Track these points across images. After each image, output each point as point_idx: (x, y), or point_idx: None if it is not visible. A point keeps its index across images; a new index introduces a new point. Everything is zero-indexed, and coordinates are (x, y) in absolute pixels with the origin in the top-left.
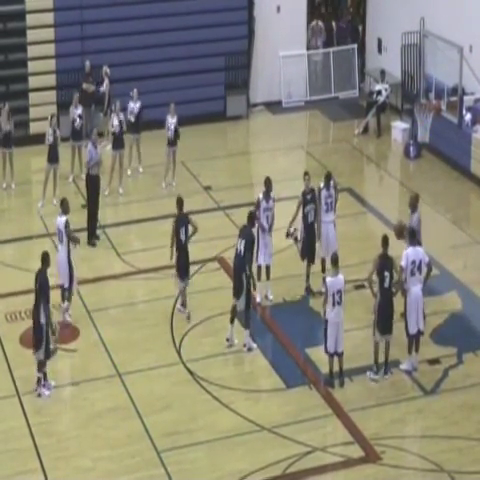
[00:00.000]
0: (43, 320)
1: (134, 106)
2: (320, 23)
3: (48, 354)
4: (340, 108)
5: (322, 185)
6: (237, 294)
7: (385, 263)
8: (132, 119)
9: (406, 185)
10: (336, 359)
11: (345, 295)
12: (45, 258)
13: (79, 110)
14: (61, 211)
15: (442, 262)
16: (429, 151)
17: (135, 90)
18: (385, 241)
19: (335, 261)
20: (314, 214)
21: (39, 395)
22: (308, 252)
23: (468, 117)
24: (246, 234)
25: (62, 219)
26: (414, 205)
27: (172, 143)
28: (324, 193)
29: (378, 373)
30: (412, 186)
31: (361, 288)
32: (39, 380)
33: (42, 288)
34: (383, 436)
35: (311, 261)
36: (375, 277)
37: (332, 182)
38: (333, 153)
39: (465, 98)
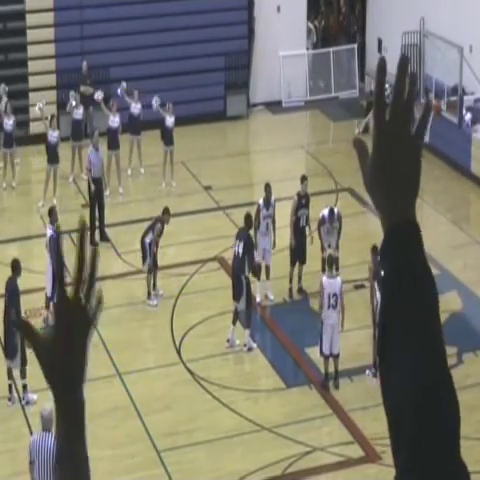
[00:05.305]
0: (15, 328)
1: (135, 106)
2: (309, 24)
3: (25, 361)
4: (340, 108)
5: (327, 218)
6: (237, 296)
7: None
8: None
9: None
10: (331, 361)
11: (345, 295)
12: (16, 266)
13: (81, 110)
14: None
15: (442, 262)
16: (429, 151)
17: (136, 91)
18: None
19: (331, 263)
20: (306, 219)
21: (28, 402)
22: (300, 256)
23: (468, 117)
24: (244, 237)
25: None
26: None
27: (168, 142)
28: (327, 226)
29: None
30: None
31: (361, 288)
32: (25, 387)
33: (11, 296)
34: (383, 436)
35: (303, 262)
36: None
37: (336, 214)
38: (333, 153)
39: (465, 98)
